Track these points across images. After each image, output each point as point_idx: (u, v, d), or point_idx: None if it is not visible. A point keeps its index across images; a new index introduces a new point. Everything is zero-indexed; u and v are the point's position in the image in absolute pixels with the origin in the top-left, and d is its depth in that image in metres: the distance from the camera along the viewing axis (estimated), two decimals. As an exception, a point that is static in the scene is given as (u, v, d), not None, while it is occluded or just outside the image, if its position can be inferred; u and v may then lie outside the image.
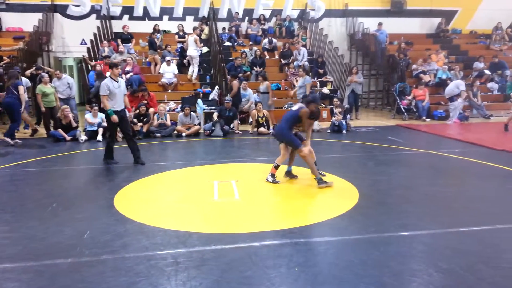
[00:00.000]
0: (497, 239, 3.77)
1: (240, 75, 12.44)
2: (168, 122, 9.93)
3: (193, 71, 13.04)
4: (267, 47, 14.64)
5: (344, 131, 10.05)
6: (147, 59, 13.59)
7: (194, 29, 13.88)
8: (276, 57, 14.61)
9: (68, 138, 9.10)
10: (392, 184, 5.62)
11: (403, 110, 12.64)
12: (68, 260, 3.38)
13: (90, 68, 12.06)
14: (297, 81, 13.29)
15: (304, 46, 14.90)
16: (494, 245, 3.64)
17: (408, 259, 3.40)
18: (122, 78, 12.07)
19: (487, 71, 14.02)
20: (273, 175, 5.72)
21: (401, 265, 3.28)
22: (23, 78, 9.93)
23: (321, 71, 13.90)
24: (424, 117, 12.15)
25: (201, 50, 13.43)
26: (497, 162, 6.70)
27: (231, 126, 10.25)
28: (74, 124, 9.38)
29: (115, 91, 6.61)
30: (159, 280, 3.05)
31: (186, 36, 14.48)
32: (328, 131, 10.24)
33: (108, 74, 11.14)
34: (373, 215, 4.46)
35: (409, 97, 12.67)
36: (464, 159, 7.06)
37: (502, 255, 3.43)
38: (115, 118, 6.59)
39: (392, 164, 6.77)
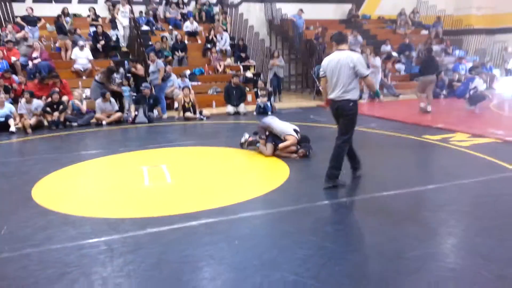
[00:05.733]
0: (417, 199, 4.14)
1: (162, 59, 12.02)
2: (84, 108, 9.29)
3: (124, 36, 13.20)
4: (189, 30, 14.28)
5: (269, 113, 10.23)
6: (57, 44, 12.53)
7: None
8: (199, 42, 14.35)
9: None
10: (319, 158, 5.85)
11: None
12: (-16, 258, 3.03)
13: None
14: (220, 65, 13.27)
15: (225, 30, 14.81)
16: (415, 204, 3.98)
17: (341, 223, 3.58)
18: (28, 64, 11.11)
19: (394, 53, 15.14)
20: (246, 141, 6.41)
21: (334, 229, 3.46)
22: None
23: (243, 55, 13.95)
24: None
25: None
26: (408, 133, 7.31)
27: (155, 112, 9.92)
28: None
29: None
30: (93, 268, 2.86)
31: (99, 19, 13.62)
32: (254, 113, 10.36)
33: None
34: (304, 187, 4.63)
35: (327, 79, 13.24)
36: (380, 133, 7.59)
37: (423, 212, 3.77)
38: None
39: (317, 141, 7.02)
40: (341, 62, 4.34)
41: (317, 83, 13.44)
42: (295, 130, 6.02)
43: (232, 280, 2.67)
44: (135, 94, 10.26)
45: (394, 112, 10.08)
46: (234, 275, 2.73)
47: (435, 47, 15.09)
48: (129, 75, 10.84)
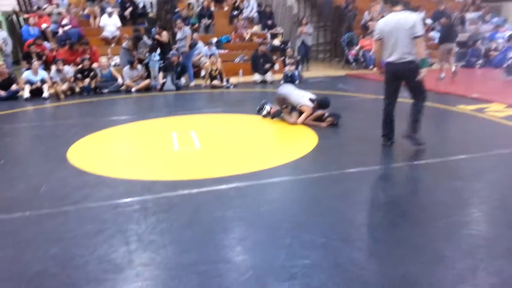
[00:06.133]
0: (449, 169, 4.05)
1: (189, 26, 11.95)
2: (116, 75, 9.39)
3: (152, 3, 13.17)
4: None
5: (296, 82, 10.10)
6: (86, 12, 12.61)
7: None
8: (226, 8, 14.14)
9: (3, 93, 8.40)
10: (348, 127, 5.78)
11: (351, 60, 12.87)
12: (26, 213, 3.19)
13: (25, 22, 11.03)
14: (247, 33, 13.08)
15: (252, -4, 14.51)
16: (448, 174, 3.91)
17: (369, 191, 3.57)
18: (58, 32, 11.28)
19: (428, 21, 14.50)
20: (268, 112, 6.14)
21: (363, 196, 3.45)
22: None
23: (270, 22, 13.69)
24: (371, 66, 12.48)
25: None
26: (441, 103, 7.09)
27: (182, 80, 9.94)
28: (12, 82, 8.63)
29: None
30: (129, 226, 2.98)
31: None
32: (281, 82, 10.24)
33: (31, 28, 10.27)
34: (333, 155, 4.60)
35: (357, 47, 12.90)
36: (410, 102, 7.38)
37: (455, 182, 3.70)
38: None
39: (346, 110, 6.92)
40: (399, 23, 4.26)
41: (346, 51, 13.10)
42: (310, 99, 5.91)
43: (263, 240, 2.73)
44: (160, 60, 10.28)
45: (427, 81, 9.75)
46: (265, 236, 2.78)
47: (472, 15, 14.38)
48: (153, 42, 10.80)
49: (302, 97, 5.90)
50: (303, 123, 5.77)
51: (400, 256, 2.51)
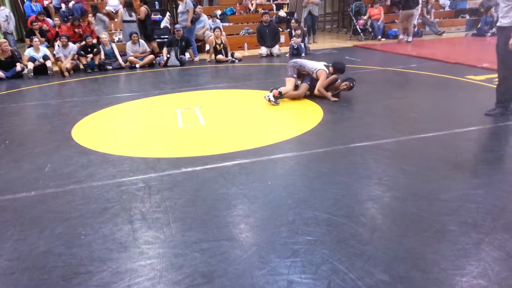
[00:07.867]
0: (456, 142, 3.98)
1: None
2: (117, 53, 9.28)
3: None
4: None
5: (303, 54, 9.92)
6: (88, -14, 12.40)
7: None
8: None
9: (2, 75, 8.30)
10: (354, 100, 5.70)
11: (359, 31, 12.57)
12: (31, 193, 3.22)
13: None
14: (252, 4, 12.80)
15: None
16: (454, 147, 3.84)
17: (375, 165, 3.52)
18: (61, 7, 11.14)
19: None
20: (274, 96, 5.58)
21: (368, 171, 3.40)
22: None
23: (275, -8, 13.36)
24: (379, 37, 12.19)
25: None
26: (450, 74, 6.93)
27: (186, 55, 9.81)
28: (16, 60, 8.58)
29: None
30: (133, 204, 2.99)
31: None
32: (287, 55, 10.07)
33: (33, 4, 10.03)
34: (339, 129, 4.54)
35: (365, 17, 12.57)
36: (419, 73, 7.24)
37: (462, 155, 3.64)
38: None
39: (352, 82, 6.82)
40: None
41: (354, 21, 12.79)
42: (325, 65, 5.86)
43: (266, 217, 2.72)
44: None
45: (436, 51, 9.52)
46: (268, 213, 2.78)
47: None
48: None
49: (318, 64, 5.88)
50: (318, 92, 5.71)
51: (404, 231, 2.49)
